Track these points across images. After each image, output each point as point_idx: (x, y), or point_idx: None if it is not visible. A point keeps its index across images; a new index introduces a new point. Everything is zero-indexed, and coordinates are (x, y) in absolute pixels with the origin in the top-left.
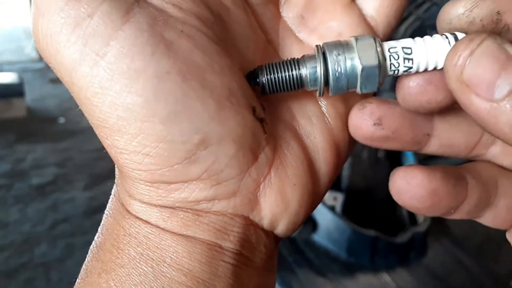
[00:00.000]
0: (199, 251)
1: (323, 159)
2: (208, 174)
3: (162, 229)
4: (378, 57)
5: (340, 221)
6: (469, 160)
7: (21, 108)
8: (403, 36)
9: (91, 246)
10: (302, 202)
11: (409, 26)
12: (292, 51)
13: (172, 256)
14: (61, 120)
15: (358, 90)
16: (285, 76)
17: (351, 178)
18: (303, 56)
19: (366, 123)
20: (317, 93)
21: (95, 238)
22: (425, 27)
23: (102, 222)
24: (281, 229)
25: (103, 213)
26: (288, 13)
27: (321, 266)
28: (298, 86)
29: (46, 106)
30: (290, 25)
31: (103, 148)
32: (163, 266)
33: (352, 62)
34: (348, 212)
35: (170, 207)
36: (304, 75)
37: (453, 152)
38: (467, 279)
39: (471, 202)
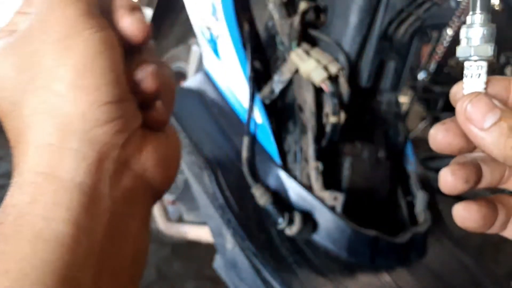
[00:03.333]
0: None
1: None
2: None
3: None
4: None
5: (340, 221)
6: None
7: None
8: (404, 36)
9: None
10: None
11: (409, 26)
12: None
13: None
14: None
15: None
16: None
17: (352, 178)
18: None
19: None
20: None
21: None
22: (425, 27)
23: None
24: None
25: None
26: None
27: (321, 266)
28: None
29: None
30: None
31: None
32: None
33: None
34: (348, 212)
35: None
36: None
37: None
38: (467, 279)
39: (500, 219)
